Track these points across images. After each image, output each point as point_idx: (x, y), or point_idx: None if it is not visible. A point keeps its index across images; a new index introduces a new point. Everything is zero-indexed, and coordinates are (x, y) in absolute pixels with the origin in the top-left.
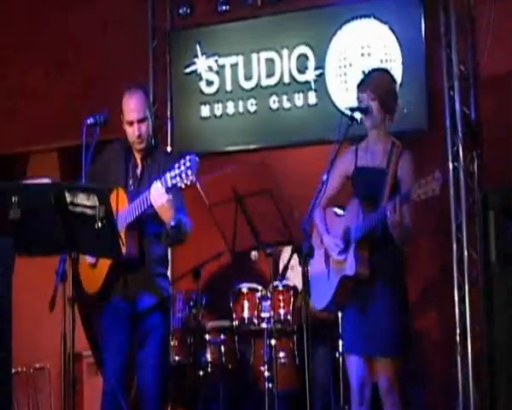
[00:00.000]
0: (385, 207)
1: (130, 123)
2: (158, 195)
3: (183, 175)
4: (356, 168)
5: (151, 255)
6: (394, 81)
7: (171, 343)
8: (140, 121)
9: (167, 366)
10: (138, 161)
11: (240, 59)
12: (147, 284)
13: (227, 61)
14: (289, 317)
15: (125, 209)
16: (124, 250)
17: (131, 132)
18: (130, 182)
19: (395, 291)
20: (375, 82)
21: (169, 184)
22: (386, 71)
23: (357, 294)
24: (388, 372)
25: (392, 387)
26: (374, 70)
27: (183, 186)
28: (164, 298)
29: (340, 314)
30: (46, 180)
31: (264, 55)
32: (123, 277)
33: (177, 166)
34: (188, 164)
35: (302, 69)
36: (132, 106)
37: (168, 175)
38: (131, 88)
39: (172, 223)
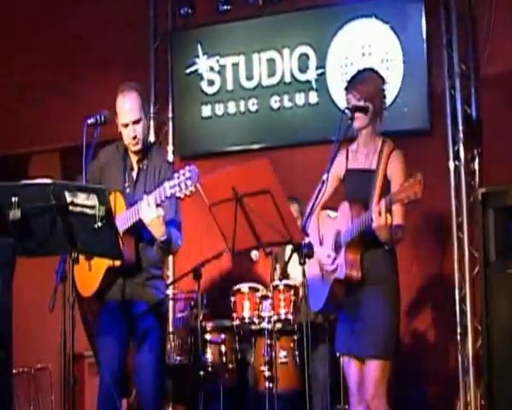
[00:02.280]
0: (370, 211)
1: (125, 125)
2: (147, 211)
3: (183, 185)
4: (347, 171)
5: (147, 259)
6: (382, 80)
7: (173, 343)
8: (135, 123)
9: (164, 368)
10: (134, 163)
11: (241, 59)
12: (142, 287)
13: (228, 61)
14: (290, 316)
15: (122, 214)
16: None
17: (127, 134)
18: (126, 185)
19: (386, 292)
20: (361, 82)
21: (168, 194)
22: (372, 70)
23: (349, 296)
24: (374, 375)
25: (377, 390)
26: (361, 70)
27: (182, 196)
28: (159, 301)
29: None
30: (46, 180)
31: (265, 54)
32: (119, 280)
33: (176, 175)
34: (187, 175)
35: (303, 69)
36: (127, 108)
37: (167, 184)
38: (125, 89)
39: (163, 238)
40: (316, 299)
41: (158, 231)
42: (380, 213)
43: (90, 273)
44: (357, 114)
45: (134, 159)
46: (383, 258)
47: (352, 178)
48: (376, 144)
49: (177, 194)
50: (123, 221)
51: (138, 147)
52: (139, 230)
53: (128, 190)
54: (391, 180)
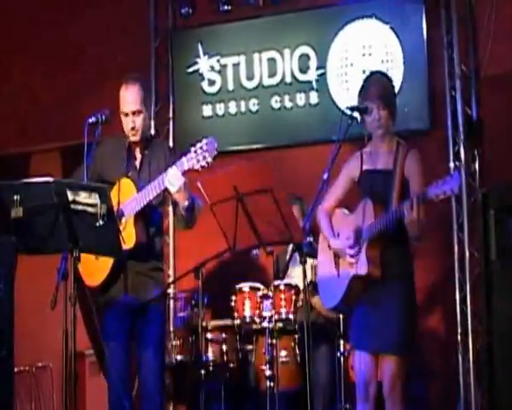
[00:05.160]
0: (401, 206)
1: (126, 114)
2: (175, 178)
3: (200, 157)
4: (362, 172)
5: (154, 246)
6: (391, 82)
7: (174, 343)
8: (135, 114)
9: (165, 359)
10: (137, 152)
11: (242, 59)
12: (145, 278)
13: (229, 61)
14: (291, 316)
15: (133, 197)
16: (134, 240)
17: (126, 123)
18: (130, 173)
19: (404, 290)
20: (382, 90)
21: (185, 168)
22: (383, 74)
23: (368, 292)
24: (392, 371)
25: (394, 386)
26: (372, 76)
27: (199, 168)
28: (161, 293)
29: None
30: (48, 179)
31: (265, 54)
32: (126, 271)
33: (193, 149)
34: (205, 147)
35: (304, 69)
36: (128, 98)
37: (185, 159)
38: (129, 79)
39: (187, 203)
40: (330, 296)
41: (184, 197)
42: (412, 208)
43: (96, 262)
44: (377, 119)
45: (136, 148)
46: (402, 256)
47: (369, 179)
48: (391, 145)
49: (195, 166)
50: (135, 204)
51: (136, 138)
52: (149, 214)
53: (132, 177)
54: (409, 180)
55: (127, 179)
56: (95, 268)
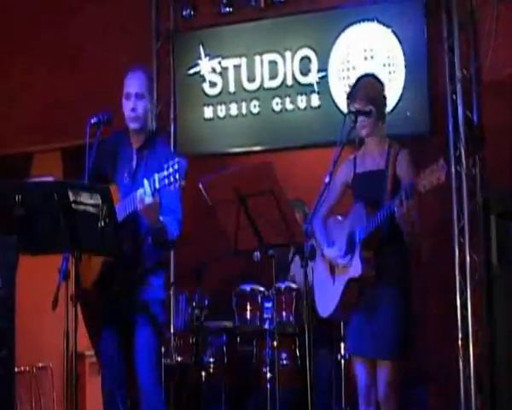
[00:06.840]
0: (390, 203)
1: (127, 95)
2: (143, 197)
3: (171, 178)
4: (355, 175)
5: (144, 254)
6: (382, 84)
7: (174, 344)
8: (137, 96)
9: (161, 361)
10: (134, 153)
11: (243, 61)
12: (138, 283)
13: (230, 63)
14: (291, 318)
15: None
16: None
17: (127, 107)
18: (126, 174)
19: (399, 293)
20: (366, 90)
21: (157, 186)
22: (372, 76)
23: (363, 297)
24: (387, 377)
25: (389, 392)
26: (361, 77)
27: (172, 188)
28: (155, 297)
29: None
30: (49, 179)
31: (267, 57)
32: (116, 276)
33: (165, 166)
34: (176, 167)
35: (305, 71)
36: (132, 79)
37: (157, 176)
38: (136, 66)
39: (156, 226)
40: (325, 304)
41: (152, 217)
42: (401, 203)
43: (89, 265)
44: (361, 120)
45: (135, 145)
46: (398, 260)
47: (361, 181)
48: (383, 146)
49: (167, 187)
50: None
51: (136, 125)
52: (136, 221)
53: (127, 180)
54: (400, 179)
55: (112, 188)
56: (87, 271)
